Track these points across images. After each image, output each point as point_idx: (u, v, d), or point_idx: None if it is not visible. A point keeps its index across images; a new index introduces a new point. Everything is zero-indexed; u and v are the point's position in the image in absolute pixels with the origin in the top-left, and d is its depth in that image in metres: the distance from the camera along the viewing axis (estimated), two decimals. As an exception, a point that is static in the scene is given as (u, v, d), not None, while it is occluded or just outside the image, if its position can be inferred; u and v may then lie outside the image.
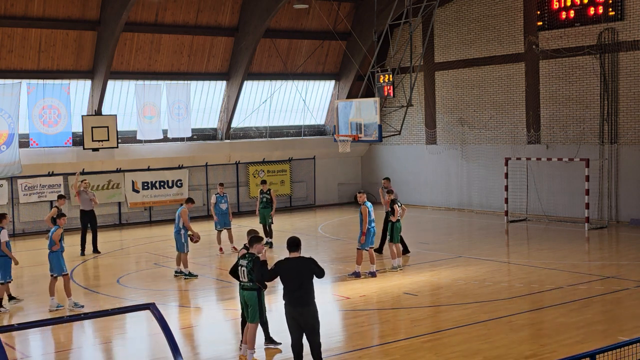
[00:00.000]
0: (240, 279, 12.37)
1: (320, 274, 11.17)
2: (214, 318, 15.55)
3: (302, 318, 11.03)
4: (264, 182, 24.53)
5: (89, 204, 23.12)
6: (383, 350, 12.38)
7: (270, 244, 22.67)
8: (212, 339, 13.77)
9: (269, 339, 12.95)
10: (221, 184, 23.56)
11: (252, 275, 12.09)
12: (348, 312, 15.41)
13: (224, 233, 22.68)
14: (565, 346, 12.24)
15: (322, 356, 11.38)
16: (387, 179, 22.22)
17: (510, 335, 13.08)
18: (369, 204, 18.68)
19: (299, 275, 11.00)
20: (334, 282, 18.63)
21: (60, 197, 21.42)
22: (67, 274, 16.41)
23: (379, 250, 21.11)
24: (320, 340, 11.17)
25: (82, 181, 23.78)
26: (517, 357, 11.88)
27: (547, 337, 13.01)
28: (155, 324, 6.85)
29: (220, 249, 22.30)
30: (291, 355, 12.40)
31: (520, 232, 25.35)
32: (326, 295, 17.28)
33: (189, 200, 19.72)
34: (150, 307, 6.85)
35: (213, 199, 22.72)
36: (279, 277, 11.19)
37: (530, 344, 12.58)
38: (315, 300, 11.16)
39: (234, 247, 22.13)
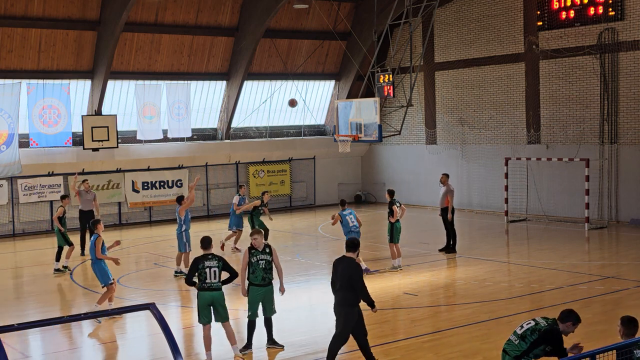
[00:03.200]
0: (208, 280, 12.23)
1: (357, 283, 11.08)
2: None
3: (336, 315, 11.19)
4: (265, 192, 23.21)
5: (89, 205, 23.07)
6: (383, 350, 12.38)
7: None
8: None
9: (271, 340, 12.91)
10: (242, 186, 23.41)
11: (230, 273, 12.36)
12: (348, 312, 15.37)
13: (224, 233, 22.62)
14: (565, 346, 12.21)
15: (325, 356, 11.39)
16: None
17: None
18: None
19: (342, 276, 11.11)
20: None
21: (63, 197, 21.50)
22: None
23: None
24: (338, 346, 11.22)
25: (83, 181, 23.75)
26: (517, 357, 11.86)
27: (547, 337, 12.98)
28: (155, 324, 6.85)
29: (225, 247, 22.10)
30: (294, 354, 12.42)
31: (520, 232, 25.34)
32: (326, 296, 17.27)
33: (181, 199, 19.61)
34: (150, 307, 6.84)
35: (236, 199, 22.39)
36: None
37: (530, 344, 12.56)
38: (355, 305, 11.20)
39: (235, 247, 22.10)
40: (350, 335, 11.36)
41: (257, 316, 12.74)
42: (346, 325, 11.14)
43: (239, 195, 22.69)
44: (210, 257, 12.30)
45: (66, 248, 20.32)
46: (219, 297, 12.32)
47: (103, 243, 15.35)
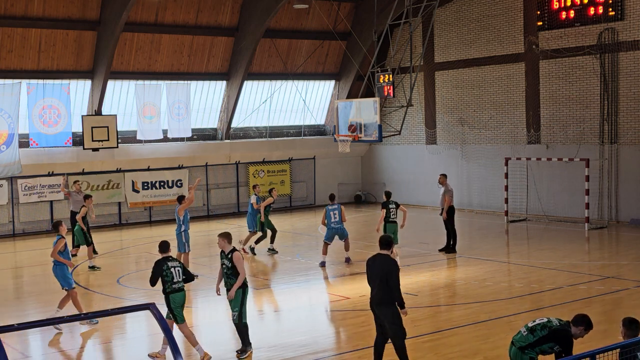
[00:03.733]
0: (176, 279, 12.10)
1: (393, 280, 10.97)
2: (214, 318, 15.54)
3: (381, 316, 11.10)
4: (272, 189, 23.00)
5: (79, 205, 22.59)
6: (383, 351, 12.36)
7: (273, 250, 22.14)
8: (212, 339, 13.76)
9: (246, 343, 12.53)
10: (256, 186, 23.22)
11: (187, 275, 12.33)
12: (348, 312, 15.40)
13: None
14: (566, 346, 12.22)
15: (325, 355, 11.38)
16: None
17: (510, 335, 12.99)
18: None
19: (378, 274, 11.02)
20: (334, 282, 18.64)
21: (87, 197, 21.59)
22: None
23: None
24: (403, 344, 11.03)
25: (74, 182, 23.63)
26: (517, 357, 11.86)
27: (547, 337, 12.99)
28: (155, 324, 6.85)
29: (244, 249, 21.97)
30: (294, 354, 12.41)
31: (520, 232, 25.34)
32: (326, 295, 17.29)
33: (181, 198, 19.89)
34: (150, 307, 6.85)
35: (254, 199, 22.15)
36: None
37: (531, 344, 12.56)
38: (394, 304, 11.06)
39: (242, 249, 21.89)
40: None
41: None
42: (397, 323, 10.96)
43: (256, 195, 22.46)
44: (170, 258, 12.22)
45: (83, 248, 20.59)
46: (182, 297, 12.24)
47: (65, 245, 15.19)
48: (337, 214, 20.05)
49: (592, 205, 25.67)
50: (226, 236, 12.49)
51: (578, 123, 26.76)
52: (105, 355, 13.50)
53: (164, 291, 12.20)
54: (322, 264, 20.17)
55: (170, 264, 12.19)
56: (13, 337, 13.48)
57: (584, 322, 9.05)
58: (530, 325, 9.10)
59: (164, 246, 12.53)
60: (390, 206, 20.04)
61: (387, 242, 11.25)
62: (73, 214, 22.70)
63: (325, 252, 20.36)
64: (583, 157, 25.48)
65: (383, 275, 10.91)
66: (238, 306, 12.34)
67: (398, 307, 11.02)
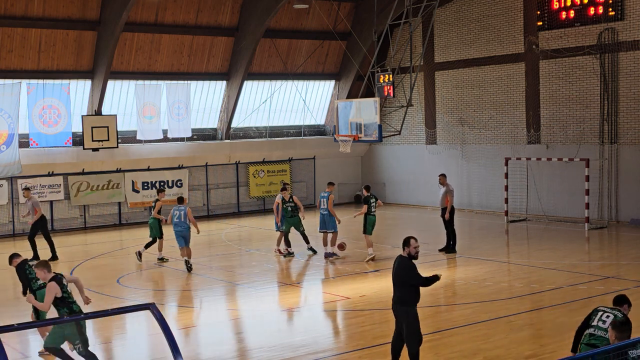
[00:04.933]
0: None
1: (412, 279, 10.94)
2: (214, 318, 15.55)
3: (398, 316, 11.08)
4: (284, 189, 22.12)
5: (32, 214, 22.15)
6: (383, 351, 12.37)
7: (312, 250, 21.66)
8: (212, 339, 13.77)
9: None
10: (284, 189, 22.03)
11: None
12: (348, 312, 15.41)
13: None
14: (565, 346, 12.20)
15: (325, 356, 11.37)
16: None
17: (510, 336, 13.09)
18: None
19: (397, 274, 11.06)
20: (334, 282, 18.64)
21: (160, 191, 22.41)
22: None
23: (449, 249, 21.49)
24: (416, 350, 10.88)
25: (24, 189, 23.47)
26: (517, 357, 11.88)
27: (547, 337, 13.02)
28: (155, 324, 6.85)
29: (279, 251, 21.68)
30: (294, 354, 12.42)
31: (520, 232, 25.35)
32: (326, 295, 17.29)
33: (181, 199, 21.08)
34: (150, 307, 6.85)
35: (279, 198, 21.64)
36: None
37: (530, 344, 12.58)
38: (413, 305, 10.96)
39: (277, 249, 21.66)
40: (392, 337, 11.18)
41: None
42: (413, 325, 10.89)
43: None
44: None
45: (157, 241, 21.40)
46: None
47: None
48: (324, 202, 21.06)
49: (592, 205, 25.67)
50: (44, 266, 11.58)
51: (578, 123, 26.76)
52: (105, 355, 13.49)
53: (30, 290, 12.63)
54: (329, 255, 20.89)
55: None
56: (13, 337, 13.48)
57: (626, 300, 9.12)
58: (605, 325, 8.61)
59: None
60: (372, 200, 20.85)
61: (405, 242, 11.06)
62: (35, 224, 22.02)
63: (325, 243, 21.01)
64: (583, 157, 25.48)
65: (400, 276, 10.97)
66: (77, 337, 11.06)
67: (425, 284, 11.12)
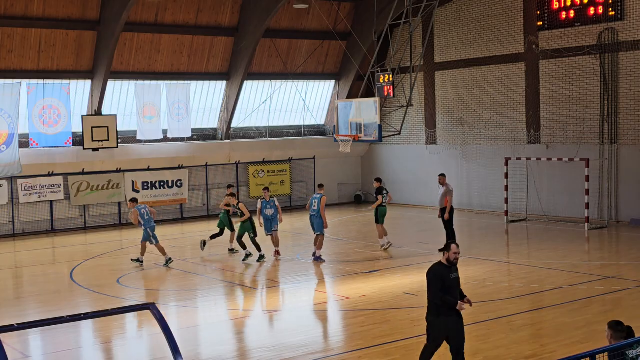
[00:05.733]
0: None
1: (428, 287, 10.40)
2: (214, 318, 15.54)
3: (428, 326, 10.55)
4: (232, 194, 22.03)
5: None
6: (383, 351, 12.38)
7: (248, 256, 20.85)
8: (212, 339, 13.77)
9: None
10: (266, 189, 22.09)
11: None
12: (348, 312, 15.40)
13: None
14: (565, 346, 12.24)
15: (325, 356, 11.36)
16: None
17: (510, 336, 13.08)
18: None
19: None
20: (334, 282, 18.64)
21: (229, 186, 23.42)
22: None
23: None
24: (425, 353, 10.50)
25: None
26: (517, 357, 11.88)
27: (547, 337, 13.01)
28: (155, 324, 6.85)
29: (276, 252, 21.32)
30: (294, 354, 12.41)
31: (520, 232, 25.35)
32: (326, 295, 17.29)
33: (133, 200, 21.50)
34: (150, 307, 6.85)
35: (259, 205, 21.49)
36: None
37: (530, 344, 12.58)
38: (432, 312, 10.47)
39: (277, 251, 21.26)
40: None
41: None
42: (428, 334, 10.45)
43: (262, 199, 21.55)
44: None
45: (226, 233, 22.10)
46: None
47: None
48: (316, 203, 20.74)
49: (592, 205, 25.67)
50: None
51: (578, 123, 26.76)
52: (105, 355, 13.50)
53: None
54: (317, 259, 20.63)
55: None
56: (13, 337, 13.47)
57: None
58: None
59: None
60: (384, 192, 21.94)
61: (444, 247, 10.65)
62: None
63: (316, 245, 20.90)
64: (583, 157, 25.47)
65: (427, 283, 10.53)
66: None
67: (461, 319, 10.54)
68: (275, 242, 21.27)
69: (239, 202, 21.36)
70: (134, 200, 21.51)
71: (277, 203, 21.42)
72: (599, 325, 13.66)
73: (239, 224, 21.09)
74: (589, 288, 16.55)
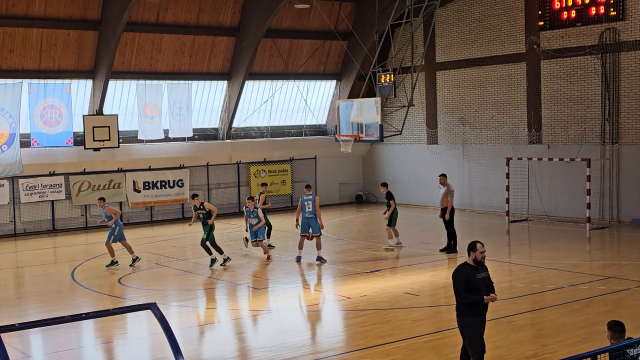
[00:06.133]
0: None
1: (454, 287, 10.20)
2: (215, 318, 15.54)
3: (458, 327, 10.39)
4: (195, 195, 21.55)
5: None
6: (384, 351, 12.38)
7: (213, 261, 20.30)
8: (213, 339, 13.77)
9: None
10: (250, 198, 21.56)
11: None
12: (349, 312, 15.40)
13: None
14: (567, 346, 12.24)
15: (325, 356, 11.35)
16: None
17: (511, 336, 13.08)
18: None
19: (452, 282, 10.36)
20: (335, 282, 18.64)
21: (264, 184, 23.89)
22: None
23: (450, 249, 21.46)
24: (474, 357, 10.22)
25: None
26: (518, 357, 11.87)
27: (548, 337, 13.00)
28: (156, 324, 6.86)
29: (268, 257, 21.03)
30: (295, 354, 12.42)
31: (522, 232, 25.34)
32: (327, 295, 17.29)
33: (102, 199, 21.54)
34: (152, 307, 6.85)
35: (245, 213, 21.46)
36: None
37: (532, 344, 12.57)
38: (460, 313, 10.25)
39: (268, 256, 20.91)
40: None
41: None
42: (468, 335, 10.22)
43: (246, 208, 21.58)
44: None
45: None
46: None
47: None
48: (310, 205, 20.58)
49: (594, 205, 25.66)
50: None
51: (579, 123, 26.75)
52: (106, 355, 13.50)
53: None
54: (298, 259, 20.58)
55: None
56: (14, 336, 13.48)
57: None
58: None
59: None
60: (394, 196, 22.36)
61: (470, 247, 10.41)
62: None
63: (301, 247, 20.78)
64: (584, 157, 25.46)
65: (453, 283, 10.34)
66: None
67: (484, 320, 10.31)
68: (264, 250, 20.98)
69: (202, 202, 20.71)
70: (103, 199, 21.43)
71: (260, 214, 20.98)
72: (600, 325, 13.65)
73: (205, 227, 20.32)
74: (590, 288, 16.55)
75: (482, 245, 10.30)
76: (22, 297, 18.21)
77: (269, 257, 20.87)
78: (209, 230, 20.28)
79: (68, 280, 19.15)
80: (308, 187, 21.46)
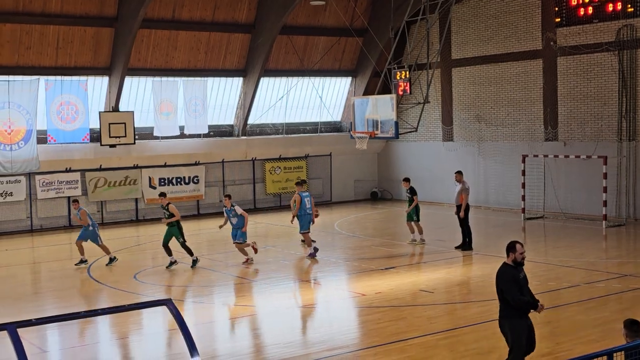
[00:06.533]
0: None
1: (505, 292, 9.93)
2: (230, 314, 15.58)
3: (502, 331, 10.25)
4: (162, 194, 21.19)
5: None
6: (399, 348, 12.37)
7: (195, 262, 19.92)
8: (228, 336, 13.81)
9: None
10: (227, 196, 20.50)
11: None
12: (364, 308, 15.41)
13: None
14: (582, 344, 12.20)
15: (341, 352, 11.36)
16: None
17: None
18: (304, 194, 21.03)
19: (497, 286, 10.14)
20: (350, 279, 18.64)
21: (303, 182, 22.88)
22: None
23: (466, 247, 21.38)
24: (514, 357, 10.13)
25: None
26: (534, 355, 11.80)
27: (564, 334, 12.96)
28: (171, 320, 6.88)
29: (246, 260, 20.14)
30: (309, 351, 12.43)
31: (537, 230, 25.25)
32: (342, 292, 17.29)
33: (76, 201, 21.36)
34: (167, 303, 6.88)
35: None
36: None
37: (547, 341, 12.52)
38: (506, 314, 10.06)
39: (245, 260, 20.05)
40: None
41: None
42: (513, 339, 10.08)
43: (224, 207, 20.64)
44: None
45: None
46: None
47: None
48: (309, 201, 20.91)
49: (610, 203, 25.52)
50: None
51: (596, 120, 26.61)
52: (121, 350, 13.57)
53: None
54: (313, 254, 20.54)
55: None
56: (31, 332, 13.56)
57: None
58: None
59: None
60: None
61: (509, 248, 10.11)
62: None
63: (310, 243, 20.86)
64: (601, 155, 25.33)
65: (498, 288, 10.16)
66: None
67: (531, 322, 10.18)
68: (243, 253, 20.05)
69: (169, 203, 20.22)
70: (77, 201, 21.38)
71: (239, 211, 19.87)
72: (616, 323, 13.58)
73: (167, 226, 19.98)
74: (607, 286, 16.47)
75: (522, 246, 10.11)
76: (38, 293, 18.32)
77: (247, 261, 19.92)
78: (180, 230, 19.91)
79: (84, 276, 19.24)
80: (303, 182, 21.79)
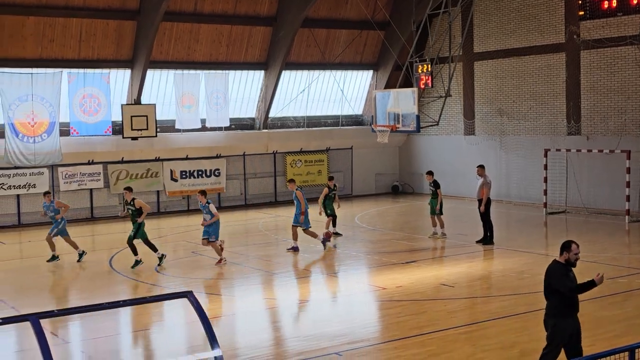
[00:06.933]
0: None
1: (555, 284, 9.80)
2: (251, 307, 15.62)
3: (548, 329, 10.09)
4: (128, 188, 20.15)
5: None
6: (419, 341, 12.36)
7: (161, 259, 19.32)
8: (248, 328, 13.84)
9: None
10: (201, 192, 19.45)
11: None
12: (385, 302, 15.40)
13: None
14: (604, 340, 12.11)
15: (361, 346, 11.35)
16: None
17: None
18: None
19: (548, 284, 10.01)
20: (371, 272, 18.63)
21: (331, 178, 23.93)
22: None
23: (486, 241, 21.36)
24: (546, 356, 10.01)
25: None
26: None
27: (586, 330, 12.83)
28: (192, 312, 6.91)
29: (219, 260, 19.32)
30: (330, 344, 12.44)
31: (559, 224, 25.11)
32: (363, 286, 17.29)
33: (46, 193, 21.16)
34: (188, 295, 6.90)
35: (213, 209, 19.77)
36: None
37: (568, 337, 12.45)
38: (553, 313, 9.93)
39: (218, 261, 19.21)
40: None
41: None
42: (552, 338, 9.89)
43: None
44: None
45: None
46: None
47: None
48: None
49: (633, 198, 25.32)
50: None
51: (619, 114, 26.40)
52: (142, 342, 13.64)
53: None
54: (327, 240, 21.16)
55: None
56: (54, 322, 13.67)
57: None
58: None
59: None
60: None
61: (564, 247, 9.94)
62: None
63: (316, 235, 20.99)
64: (624, 149, 25.13)
65: (546, 285, 10.07)
66: None
67: (578, 323, 10.03)
68: (216, 251, 19.26)
69: (134, 198, 19.40)
70: (48, 192, 21.30)
71: (213, 209, 19.03)
72: (638, 319, 13.50)
73: (134, 224, 19.22)
74: (629, 281, 16.36)
75: (578, 246, 9.87)
76: (60, 284, 18.46)
77: (220, 261, 19.15)
78: (138, 228, 19.13)
79: (106, 268, 19.36)
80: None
